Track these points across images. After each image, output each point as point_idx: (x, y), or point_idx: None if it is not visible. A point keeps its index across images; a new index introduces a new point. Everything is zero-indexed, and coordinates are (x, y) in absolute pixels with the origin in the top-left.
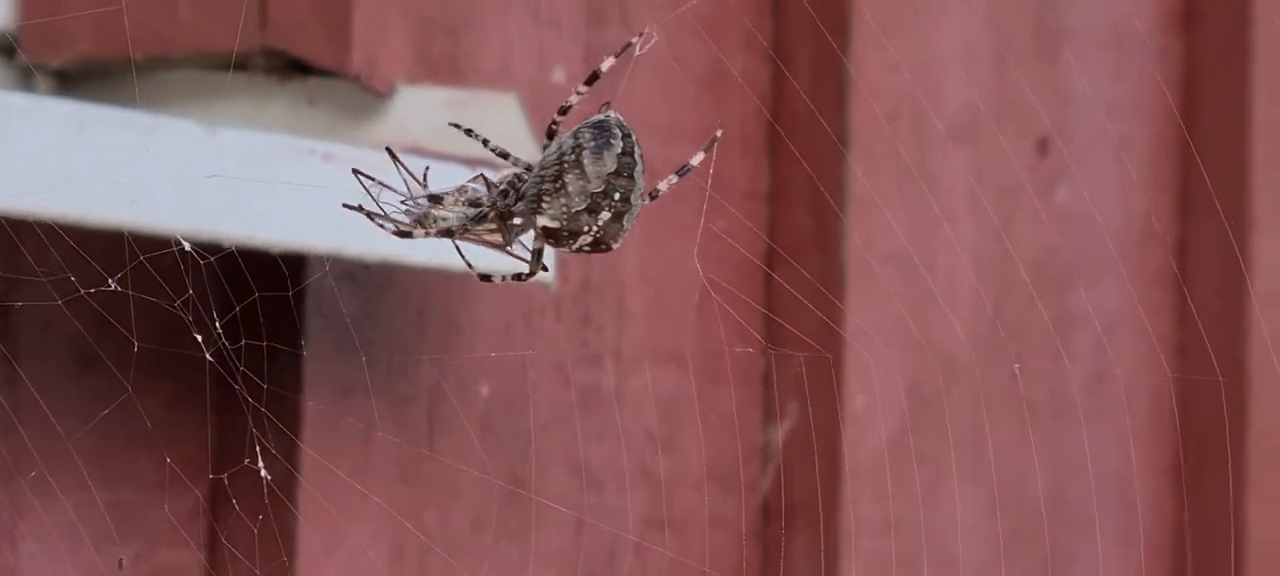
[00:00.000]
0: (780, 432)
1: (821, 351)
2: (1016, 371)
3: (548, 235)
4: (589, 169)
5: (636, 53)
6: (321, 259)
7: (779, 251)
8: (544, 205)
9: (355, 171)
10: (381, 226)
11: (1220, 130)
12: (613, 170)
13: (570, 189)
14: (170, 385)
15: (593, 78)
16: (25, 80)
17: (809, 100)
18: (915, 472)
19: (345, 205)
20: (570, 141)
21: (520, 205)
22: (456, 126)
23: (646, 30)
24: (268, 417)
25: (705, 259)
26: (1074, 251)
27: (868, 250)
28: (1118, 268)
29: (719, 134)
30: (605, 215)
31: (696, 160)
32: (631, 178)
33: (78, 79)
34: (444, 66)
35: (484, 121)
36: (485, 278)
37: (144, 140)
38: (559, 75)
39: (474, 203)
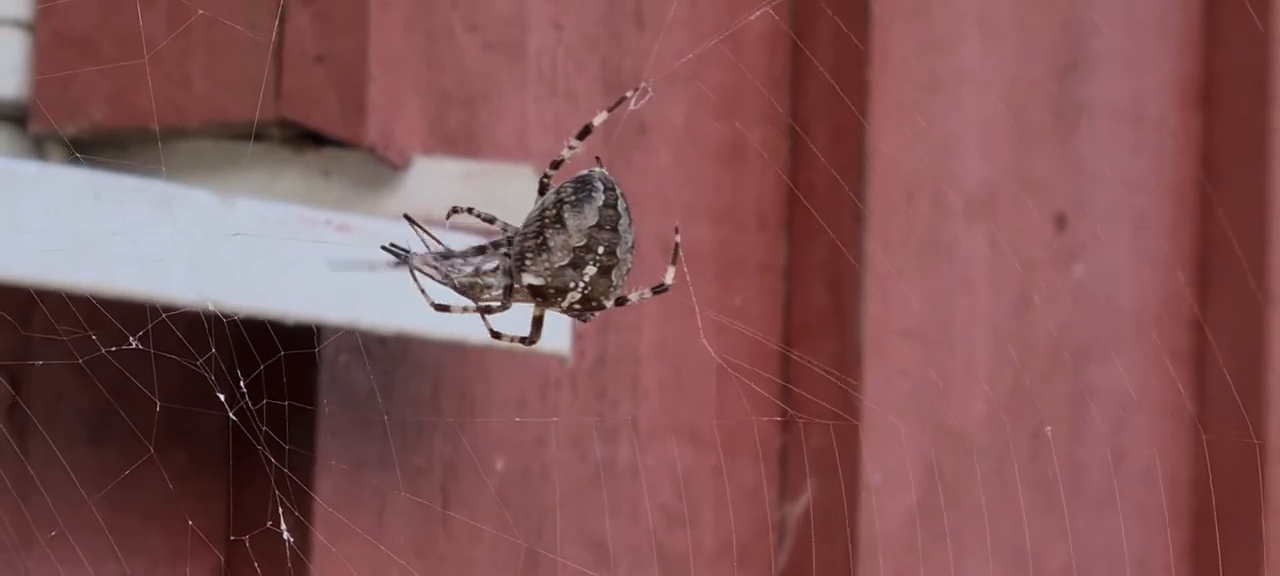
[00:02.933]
0: (797, 509)
1: (848, 419)
2: (1048, 433)
3: (535, 293)
4: (570, 223)
5: (631, 106)
6: (335, 332)
7: (796, 326)
8: (527, 263)
9: (410, 218)
10: (424, 285)
11: (1239, 206)
12: (594, 223)
13: (551, 244)
14: (192, 446)
15: (585, 132)
16: (38, 149)
17: (826, 175)
18: (933, 549)
19: (385, 248)
20: (552, 197)
21: (508, 266)
22: (456, 210)
23: (642, 85)
24: (290, 480)
25: (721, 334)
26: (1092, 327)
27: (885, 325)
28: (1136, 344)
29: (678, 239)
30: (591, 270)
31: (669, 278)
32: (616, 231)
33: (91, 149)
34: (460, 138)
35: (500, 193)
36: (496, 335)
37: (159, 210)
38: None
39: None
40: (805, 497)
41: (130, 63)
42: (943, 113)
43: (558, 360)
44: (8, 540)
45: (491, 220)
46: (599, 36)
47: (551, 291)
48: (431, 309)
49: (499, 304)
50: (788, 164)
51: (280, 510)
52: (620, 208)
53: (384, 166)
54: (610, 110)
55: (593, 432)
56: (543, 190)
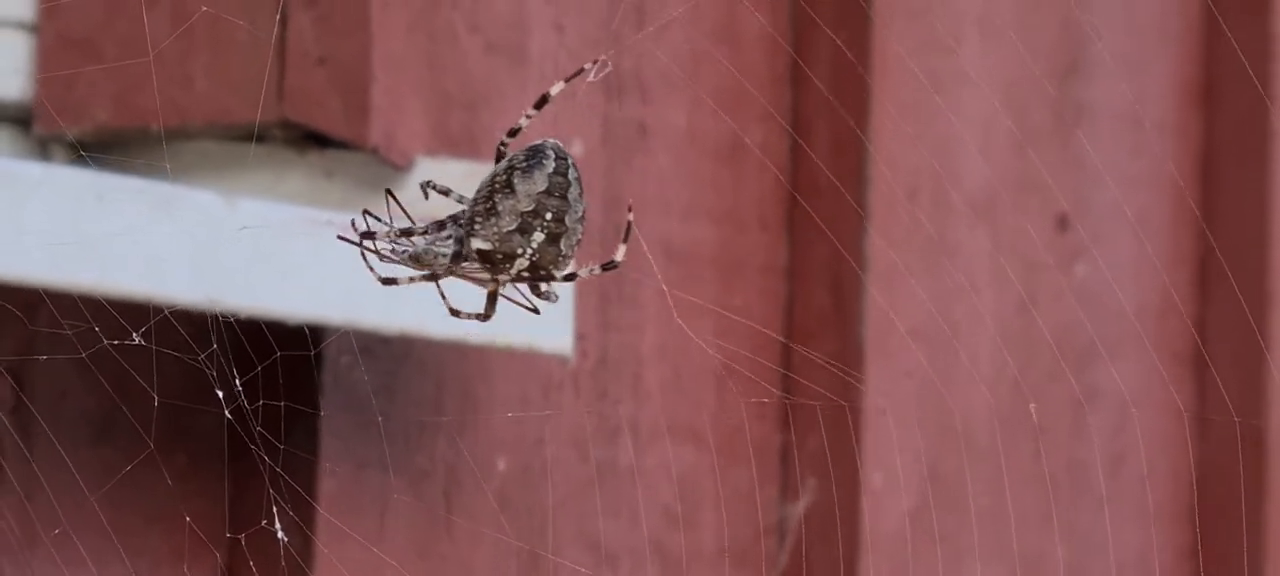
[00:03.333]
0: (797, 509)
1: (838, 399)
2: (1032, 411)
3: (483, 259)
4: (519, 188)
5: (589, 79)
6: (337, 332)
7: (798, 327)
8: (476, 227)
9: (366, 212)
10: (372, 263)
11: (1239, 206)
12: (543, 189)
13: (500, 209)
14: (192, 444)
15: (542, 101)
16: (42, 151)
17: (827, 176)
18: (933, 550)
19: (340, 238)
20: (504, 164)
21: (459, 234)
22: (428, 185)
23: (601, 58)
24: (284, 480)
25: (723, 335)
26: (1093, 327)
27: (886, 326)
28: (1137, 344)
29: (631, 218)
30: (538, 236)
31: (620, 255)
32: (565, 198)
33: (95, 150)
34: (462, 140)
35: None
36: (454, 312)
37: (161, 210)
38: (577, 148)
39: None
40: (805, 498)
41: (133, 63)
42: (943, 113)
43: (560, 360)
44: (13, 539)
45: (446, 192)
46: (600, 39)
47: (499, 256)
48: (380, 284)
49: (443, 271)
50: (788, 165)
51: (275, 509)
52: (571, 176)
53: (387, 168)
54: (567, 81)
55: (593, 433)
56: (499, 159)
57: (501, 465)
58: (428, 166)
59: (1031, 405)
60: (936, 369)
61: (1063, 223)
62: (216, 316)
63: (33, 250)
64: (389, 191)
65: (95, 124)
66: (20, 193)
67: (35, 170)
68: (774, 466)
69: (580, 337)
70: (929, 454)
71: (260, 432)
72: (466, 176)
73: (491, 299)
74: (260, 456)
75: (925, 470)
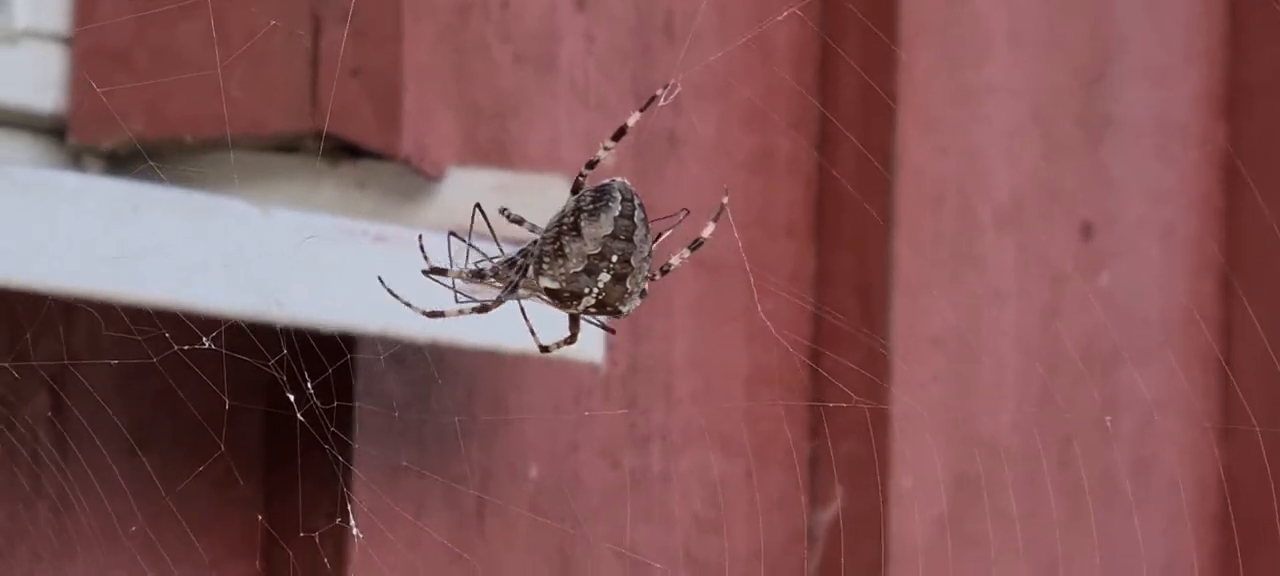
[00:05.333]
0: (827, 516)
1: (866, 406)
2: (1107, 423)
3: (551, 296)
4: (586, 231)
5: (661, 103)
6: (372, 340)
7: (825, 333)
8: (544, 267)
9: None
10: (458, 303)
11: (1264, 216)
12: (609, 232)
13: (567, 252)
14: (258, 445)
15: (620, 133)
16: (76, 162)
17: (855, 185)
18: (963, 556)
19: (426, 273)
20: (571, 204)
21: (530, 269)
22: (479, 208)
23: (672, 82)
24: (332, 487)
25: (751, 343)
26: (1119, 335)
27: (914, 333)
28: (1163, 352)
29: (726, 200)
30: (605, 277)
31: (707, 232)
32: (630, 241)
33: (129, 161)
34: (493, 150)
35: (533, 203)
36: (545, 349)
37: (196, 221)
38: (608, 159)
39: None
40: (835, 504)
41: (166, 75)
42: (971, 123)
43: (591, 368)
44: (90, 535)
45: (520, 221)
46: (630, 49)
47: (567, 295)
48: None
49: (494, 302)
50: (816, 174)
51: (350, 508)
52: (637, 218)
53: (419, 178)
54: (642, 110)
55: (625, 440)
56: (577, 189)
57: (534, 472)
58: (458, 176)
59: (1106, 418)
60: (962, 376)
61: (1088, 231)
62: (263, 328)
63: (69, 260)
64: (453, 233)
65: (129, 136)
66: (57, 202)
67: (72, 180)
68: (804, 473)
69: (611, 347)
70: (956, 461)
71: (334, 433)
72: (497, 187)
73: (574, 321)
74: (334, 457)
75: (954, 476)
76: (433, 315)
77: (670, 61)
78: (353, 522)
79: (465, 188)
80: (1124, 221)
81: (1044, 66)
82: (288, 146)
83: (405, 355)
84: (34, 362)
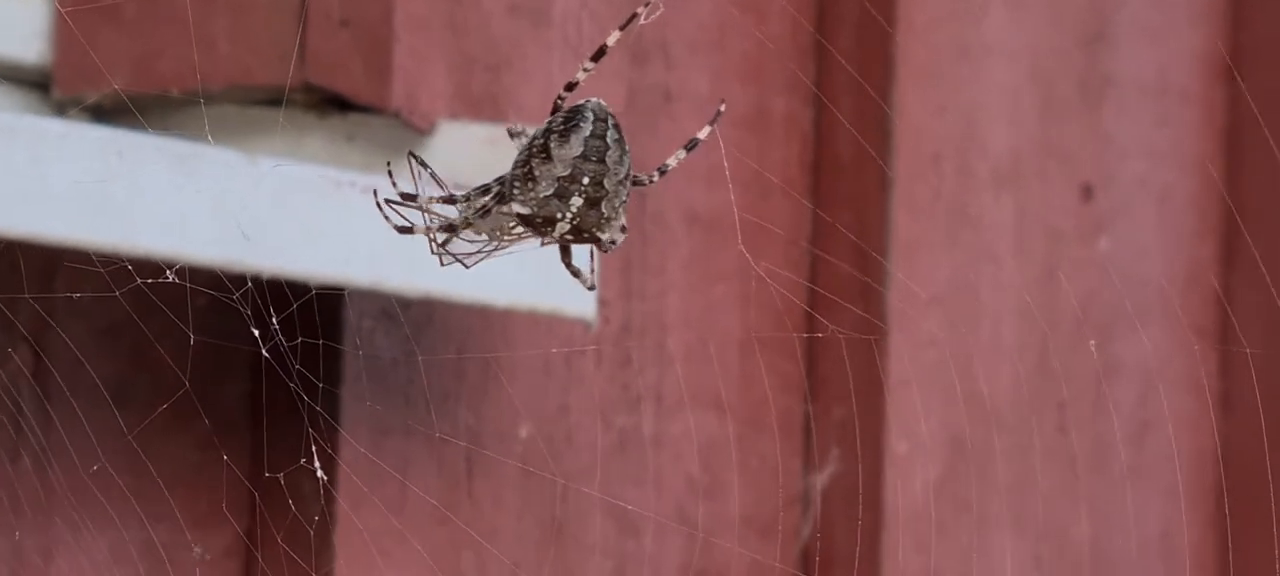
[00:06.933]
0: (821, 479)
1: (862, 368)
2: (1103, 388)
3: (524, 222)
4: (556, 153)
5: (642, 21)
6: (360, 294)
7: (821, 294)
8: (515, 191)
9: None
10: (425, 234)
11: (1264, 178)
12: (578, 153)
13: (537, 175)
14: (243, 402)
15: (599, 53)
16: (61, 115)
17: (852, 144)
18: (957, 520)
19: (385, 202)
20: (542, 128)
21: (501, 196)
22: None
23: (652, 1)
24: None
25: (746, 304)
26: (1118, 300)
27: (910, 295)
28: (1161, 317)
29: (722, 107)
30: (577, 201)
31: (704, 133)
32: (603, 162)
33: (114, 114)
34: (485, 103)
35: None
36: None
37: (182, 169)
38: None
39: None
40: (830, 468)
41: (153, 26)
42: (968, 82)
43: (583, 326)
44: (51, 483)
45: (521, 133)
46: (623, 0)
47: (539, 220)
48: (395, 231)
49: (461, 223)
50: (813, 132)
51: (314, 449)
52: (610, 138)
53: (409, 131)
54: (623, 28)
55: (616, 401)
56: (555, 110)
57: (524, 432)
58: (450, 129)
59: (1092, 342)
60: (959, 339)
61: (1087, 193)
62: (237, 277)
63: (53, 206)
64: (413, 153)
65: (114, 88)
66: (41, 149)
67: (56, 126)
68: (798, 436)
69: (603, 304)
70: (952, 424)
71: (299, 371)
72: (489, 140)
73: (565, 252)
74: (299, 395)
75: (949, 440)
76: (403, 231)
77: (664, 14)
78: (337, 483)
79: (457, 140)
80: (1124, 183)
81: (1043, 26)
82: (276, 99)
83: (394, 311)
84: (15, 317)
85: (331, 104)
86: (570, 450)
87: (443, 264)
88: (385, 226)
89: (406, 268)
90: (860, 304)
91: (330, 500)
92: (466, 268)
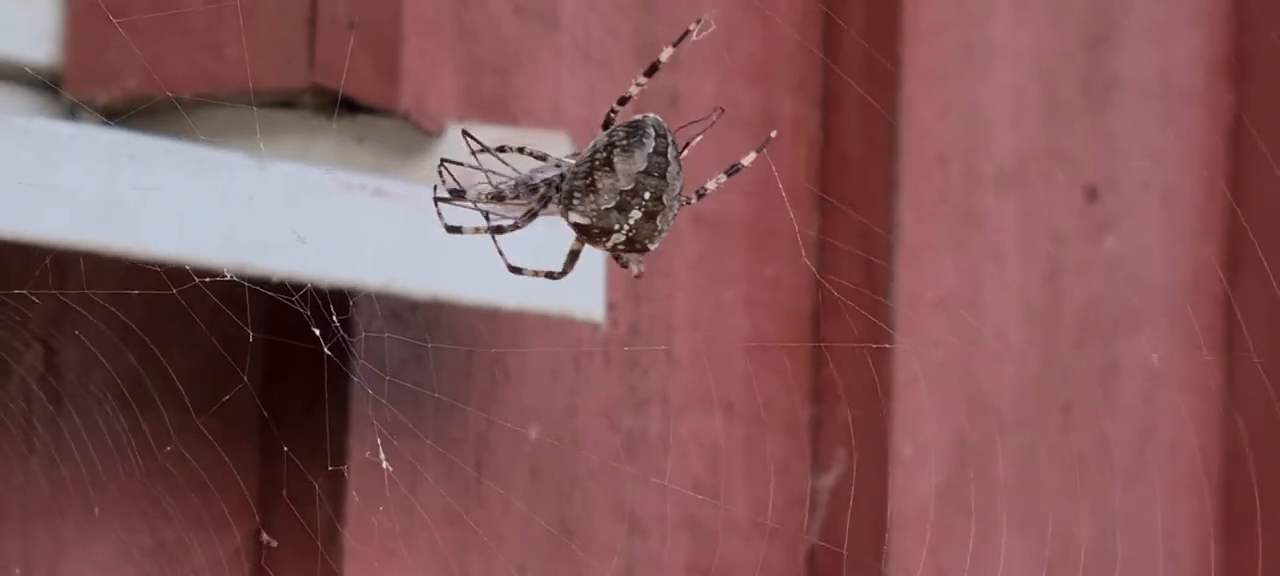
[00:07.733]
0: (828, 481)
1: (868, 370)
2: (1107, 389)
3: (580, 231)
4: (619, 167)
5: (694, 38)
6: (371, 297)
7: (828, 296)
8: (575, 202)
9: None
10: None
11: (1268, 178)
12: (642, 169)
13: (600, 187)
14: (254, 405)
15: (652, 69)
16: (71, 116)
17: (858, 147)
18: (963, 522)
19: (436, 199)
20: (604, 139)
21: (557, 201)
22: (472, 141)
23: (704, 17)
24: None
25: (754, 306)
26: (1122, 300)
27: (916, 297)
28: (1166, 318)
29: (773, 134)
30: (636, 214)
31: (748, 160)
32: (663, 177)
33: (124, 116)
34: (494, 106)
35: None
36: (516, 270)
37: (193, 172)
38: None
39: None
40: (836, 470)
41: (163, 29)
42: (973, 84)
43: (591, 327)
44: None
45: (544, 158)
46: (632, 5)
47: (596, 231)
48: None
49: (511, 225)
50: (819, 135)
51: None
52: (670, 155)
53: (418, 133)
54: (675, 44)
55: (624, 402)
56: (608, 124)
57: (533, 434)
58: (459, 132)
59: (1107, 384)
60: (965, 340)
61: (1092, 194)
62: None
63: (63, 209)
64: (445, 161)
65: (124, 90)
66: (52, 151)
67: (66, 129)
68: (805, 438)
69: (611, 307)
70: (958, 426)
71: (330, 390)
72: (498, 142)
73: (572, 258)
74: (363, 389)
75: (955, 442)
76: (452, 231)
77: (673, 17)
78: (346, 484)
79: (466, 143)
80: (1128, 184)
81: (1047, 28)
82: (286, 102)
83: (403, 313)
84: (30, 312)
85: (341, 106)
86: (578, 451)
87: (478, 230)
88: (395, 228)
89: (416, 269)
90: (866, 306)
91: (339, 501)
92: (497, 232)
